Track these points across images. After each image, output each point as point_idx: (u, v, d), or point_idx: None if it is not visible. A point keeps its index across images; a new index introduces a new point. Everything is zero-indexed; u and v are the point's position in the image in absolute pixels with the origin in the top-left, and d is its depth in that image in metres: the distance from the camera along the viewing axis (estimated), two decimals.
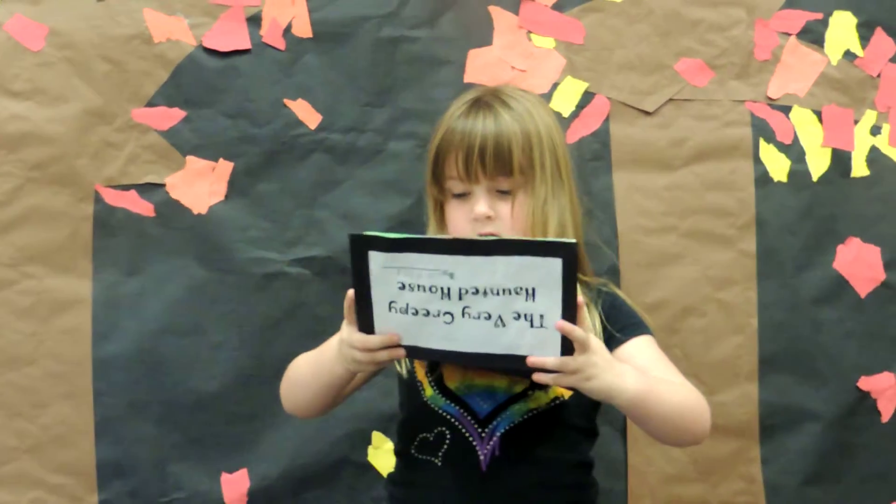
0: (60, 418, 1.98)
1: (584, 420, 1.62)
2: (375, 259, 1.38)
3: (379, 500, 1.77)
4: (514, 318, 1.36)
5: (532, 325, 1.35)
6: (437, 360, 1.44)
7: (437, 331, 1.39)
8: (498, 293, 1.35)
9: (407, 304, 1.39)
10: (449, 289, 1.36)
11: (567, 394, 1.57)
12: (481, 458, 1.55)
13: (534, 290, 1.34)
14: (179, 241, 2.00)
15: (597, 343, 1.39)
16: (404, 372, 1.62)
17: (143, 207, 2.00)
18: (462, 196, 1.58)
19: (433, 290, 1.37)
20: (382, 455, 2.00)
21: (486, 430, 1.56)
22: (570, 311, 1.34)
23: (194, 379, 2.00)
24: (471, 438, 1.56)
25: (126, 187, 1.99)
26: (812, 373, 2.07)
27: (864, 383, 2.08)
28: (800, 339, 2.07)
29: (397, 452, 1.66)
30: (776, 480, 2.06)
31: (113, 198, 1.99)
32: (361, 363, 1.45)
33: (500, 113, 1.56)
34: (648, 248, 2.05)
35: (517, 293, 1.34)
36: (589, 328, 1.39)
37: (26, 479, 1.97)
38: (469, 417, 1.56)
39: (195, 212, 2.00)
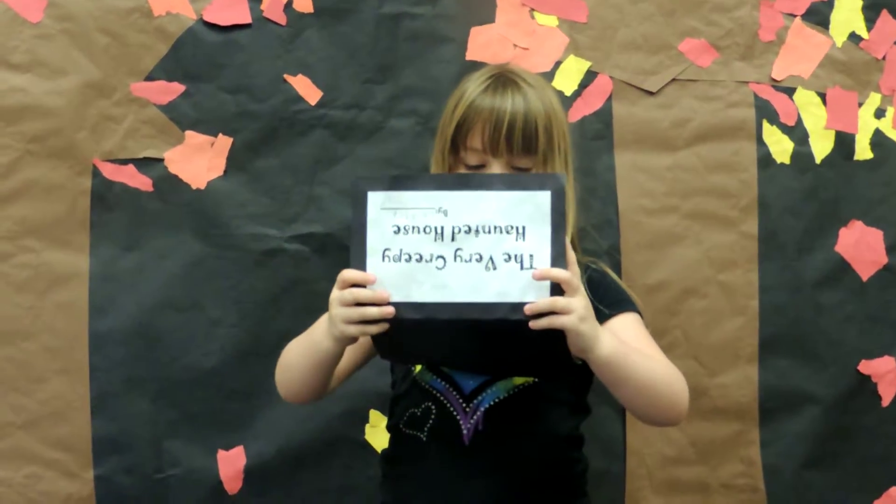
0: (56, 393, 1.97)
1: (571, 395, 1.62)
2: (374, 201, 1.41)
3: (375, 478, 1.77)
4: (505, 260, 1.38)
5: (522, 268, 1.37)
6: (426, 320, 1.40)
7: (428, 278, 1.39)
8: (490, 231, 1.39)
9: (400, 251, 1.41)
10: (442, 228, 1.40)
11: None
12: (464, 432, 1.55)
13: (524, 228, 1.38)
14: (178, 217, 1.99)
15: (583, 290, 1.39)
16: None
17: (141, 182, 1.98)
18: (476, 168, 1.59)
19: (427, 230, 1.40)
20: (380, 433, 1.99)
21: (471, 405, 1.56)
22: (558, 247, 1.37)
23: (191, 355, 1.99)
24: (455, 413, 1.56)
25: (124, 161, 1.98)
26: (812, 356, 2.06)
27: (865, 367, 2.07)
28: (801, 322, 2.06)
29: (388, 428, 1.68)
30: (775, 463, 2.06)
31: (111, 172, 1.98)
32: (351, 319, 1.40)
33: (527, 92, 1.58)
34: (650, 229, 2.04)
35: (508, 232, 1.38)
36: (577, 272, 1.39)
37: (22, 455, 1.97)
38: (454, 392, 1.57)
39: (194, 187, 1.99)
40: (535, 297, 1.37)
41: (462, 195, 1.40)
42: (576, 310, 1.36)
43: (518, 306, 1.36)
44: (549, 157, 1.57)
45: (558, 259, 1.37)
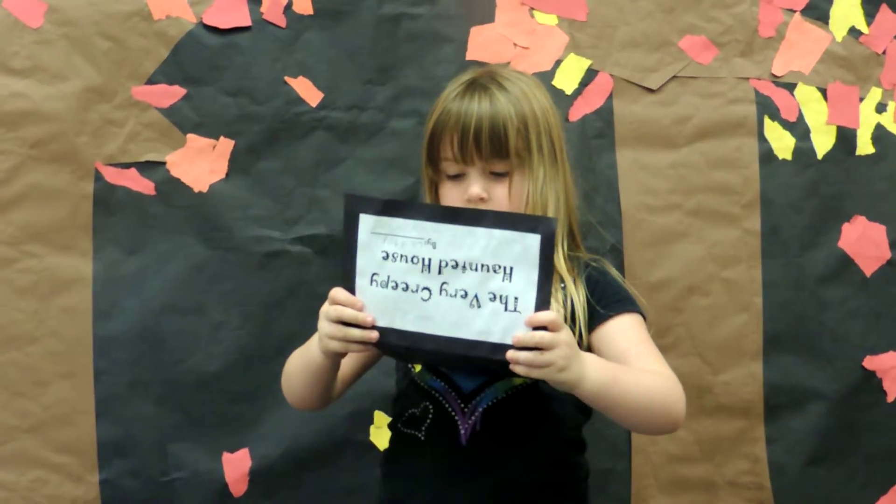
0: (61, 397, 1.97)
1: (571, 396, 1.60)
2: (365, 223, 1.42)
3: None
4: (490, 299, 1.37)
5: (506, 309, 1.37)
6: (408, 349, 1.43)
7: (413, 308, 1.40)
8: (477, 269, 1.38)
9: (388, 277, 1.41)
10: (430, 260, 1.39)
11: None
12: (462, 432, 1.55)
13: (511, 269, 1.37)
14: (180, 220, 1.99)
15: (566, 332, 1.38)
16: None
17: (143, 186, 1.99)
18: (456, 177, 1.58)
19: (414, 260, 1.40)
20: (384, 434, 1.98)
21: (469, 405, 1.56)
22: (544, 293, 1.36)
23: (195, 358, 1.99)
24: (453, 413, 1.56)
25: (126, 165, 1.98)
26: (817, 352, 2.06)
27: (870, 363, 2.07)
28: (805, 318, 2.06)
29: (389, 427, 1.68)
30: (781, 460, 2.05)
31: (113, 176, 1.98)
32: (335, 337, 1.42)
33: (496, 95, 1.56)
34: (652, 227, 2.03)
35: (495, 271, 1.37)
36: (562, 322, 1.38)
37: (27, 459, 1.97)
38: (453, 393, 1.57)
39: (196, 190, 1.99)
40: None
41: (451, 229, 1.39)
42: (554, 362, 1.35)
43: (499, 347, 1.37)
44: (525, 160, 1.55)
45: (543, 304, 1.36)
